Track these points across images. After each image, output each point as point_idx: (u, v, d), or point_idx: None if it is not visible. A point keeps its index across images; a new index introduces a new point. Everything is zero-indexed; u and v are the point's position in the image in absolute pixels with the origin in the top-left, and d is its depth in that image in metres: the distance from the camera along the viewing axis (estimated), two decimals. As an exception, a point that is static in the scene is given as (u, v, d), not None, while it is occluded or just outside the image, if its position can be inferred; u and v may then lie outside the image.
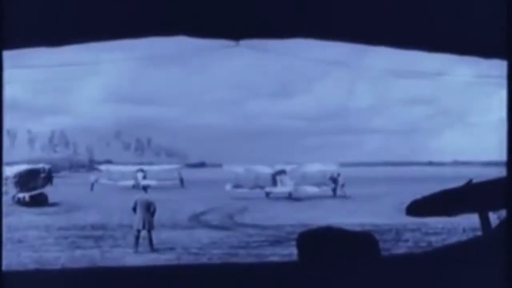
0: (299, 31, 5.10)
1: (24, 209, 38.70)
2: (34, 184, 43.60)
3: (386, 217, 31.79)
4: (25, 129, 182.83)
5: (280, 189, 48.99)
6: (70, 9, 4.54)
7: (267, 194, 48.69)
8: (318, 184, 49.98)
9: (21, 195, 42.13)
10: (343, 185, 50.92)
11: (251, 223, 33.07)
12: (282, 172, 50.95)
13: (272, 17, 4.87)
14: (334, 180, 51.55)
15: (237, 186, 50.97)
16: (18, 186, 42.58)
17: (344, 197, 48.27)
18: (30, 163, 50.96)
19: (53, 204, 41.51)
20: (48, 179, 45.65)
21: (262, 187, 49.60)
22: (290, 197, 47.25)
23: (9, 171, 44.02)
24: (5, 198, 39.95)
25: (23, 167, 45.18)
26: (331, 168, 53.66)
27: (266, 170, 52.43)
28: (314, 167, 53.73)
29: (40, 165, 47.45)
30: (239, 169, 53.68)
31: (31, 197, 41.93)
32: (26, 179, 43.46)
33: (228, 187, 51.20)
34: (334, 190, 50.42)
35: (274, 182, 50.29)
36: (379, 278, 4.73)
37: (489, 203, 6.10)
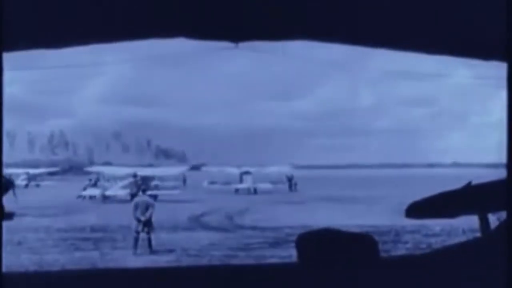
0: (299, 32, 5.10)
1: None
2: None
3: (385, 219, 31.78)
4: (25, 130, 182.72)
5: (243, 186, 60.57)
6: (70, 11, 4.54)
7: (236, 190, 59.70)
8: (274, 182, 61.95)
9: None
10: (295, 184, 63.79)
11: (251, 225, 33.11)
12: (248, 172, 62.67)
13: (272, 18, 4.87)
14: (289, 179, 64.54)
15: (212, 182, 62.68)
16: None
17: (297, 193, 59.34)
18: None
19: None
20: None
21: (230, 184, 60.88)
22: (249, 192, 58.56)
23: None
24: None
25: None
26: (286, 170, 67.36)
27: (235, 170, 64.51)
28: (273, 169, 67.07)
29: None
30: (215, 169, 66.94)
31: None
32: None
33: (205, 183, 62.87)
34: (290, 187, 63.44)
35: (240, 180, 62.05)
36: (379, 280, 4.73)
37: (489, 204, 6.10)
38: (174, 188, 54.03)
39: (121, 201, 46.25)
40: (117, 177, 54.25)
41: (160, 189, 53.28)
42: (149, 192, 48.53)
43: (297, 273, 4.83)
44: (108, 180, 54.26)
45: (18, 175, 68.50)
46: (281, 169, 68.16)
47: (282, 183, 63.74)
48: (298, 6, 4.62)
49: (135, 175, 52.75)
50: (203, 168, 76.18)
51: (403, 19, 4.63)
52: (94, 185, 52.94)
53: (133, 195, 47.83)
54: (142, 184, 49.66)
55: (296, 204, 46.35)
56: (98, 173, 57.47)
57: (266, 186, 60.93)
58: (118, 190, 50.57)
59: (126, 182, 51.86)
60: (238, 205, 44.49)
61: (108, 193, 49.69)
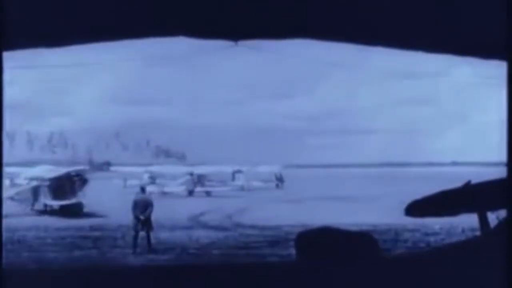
0: (298, 31, 5.11)
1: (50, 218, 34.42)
2: (67, 191, 38.57)
3: (385, 218, 31.73)
4: (24, 130, 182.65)
5: (236, 183, 64.40)
6: (70, 11, 4.55)
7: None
8: (264, 180, 66.34)
9: (49, 203, 37.74)
10: (282, 182, 68.05)
11: (250, 224, 33.08)
12: (239, 171, 66.62)
13: (271, 17, 4.88)
14: (278, 178, 68.68)
15: (209, 180, 64.26)
16: (50, 193, 38.04)
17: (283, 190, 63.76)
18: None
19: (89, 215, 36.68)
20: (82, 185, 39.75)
21: (224, 182, 64.16)
22: (243, 189, 62.21)
23: (32, 173, 41.60)
24: (24, 206, 37.41)
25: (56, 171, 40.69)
26: (276, 169, 71.47)
27: (228, 169, 68.09)
28: (263, 168, 71.25)
29: (72, 169, 41.74)
30: (211, 169, 69.94)
31: (62, 206, 37.04)
32: (59, 185, 38.40)
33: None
34: (277, 185, 67.55)
35: (233, 178, 66.04)
36: (378, 277, 4.73)
37: (488, 203, 6.11)
38: (221, 185, 59.71)
39: (179, 196, 51.38)
40: (176, 175, 59.35)
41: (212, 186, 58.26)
42: (203, 189, 55.39)
43: (297, 271, 4.84)
44: (151, 177, 58.82)
45: (18, 174, 68.46)
46: (272, 168, 72.57)
47: (272, 182, 68.52)
48: (298, 5, 4.62)
49: (191, 173, 57.94)
50: (201, 167, 79.33)
51: (403, 19, 4.64)
52: (153, 182, 56.61)
53: (190, 192, 55.30)
54: (198, 182, 56.93)
55: (296, 203, 46.32)
56: (147, 172, 61.87)
57: (258, 184, 65.48)
58: (176, 187, 55.24)
59: (183, 179, 57.22)
60: (236, 204, 44.49)
61: (166, 189, 53.93)
